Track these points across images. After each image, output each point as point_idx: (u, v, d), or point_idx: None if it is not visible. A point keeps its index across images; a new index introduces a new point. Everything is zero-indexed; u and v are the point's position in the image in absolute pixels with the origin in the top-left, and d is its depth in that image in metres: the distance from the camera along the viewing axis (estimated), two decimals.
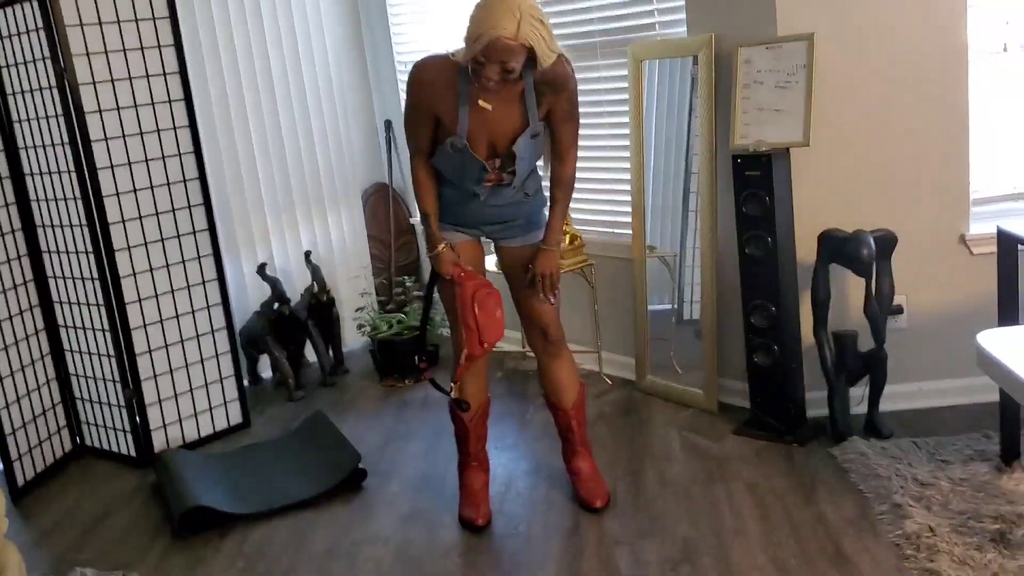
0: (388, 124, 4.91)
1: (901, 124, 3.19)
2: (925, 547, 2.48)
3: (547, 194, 2.84)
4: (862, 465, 2.98)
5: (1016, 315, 2.86)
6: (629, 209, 3.76)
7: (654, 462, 3.20)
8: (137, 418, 3.61)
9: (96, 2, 3.39)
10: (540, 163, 2.82)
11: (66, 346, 3.70)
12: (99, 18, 3.40)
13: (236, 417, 3.87)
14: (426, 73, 2.62)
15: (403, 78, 4.73)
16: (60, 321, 3.67)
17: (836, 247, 3.11)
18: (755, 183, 3.11)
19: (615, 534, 2.77)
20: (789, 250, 3.19)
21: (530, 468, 3.27)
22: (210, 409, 3.79)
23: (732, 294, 3.40)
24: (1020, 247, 2.79)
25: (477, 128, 2.61)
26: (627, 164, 3.75)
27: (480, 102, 2.56)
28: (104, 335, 3.56)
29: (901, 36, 3.12)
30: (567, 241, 3.80)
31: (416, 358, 2.97)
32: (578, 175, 3.99)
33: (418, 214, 2.87)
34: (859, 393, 3.25)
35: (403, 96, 4.73)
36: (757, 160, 3.10)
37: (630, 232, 3.77)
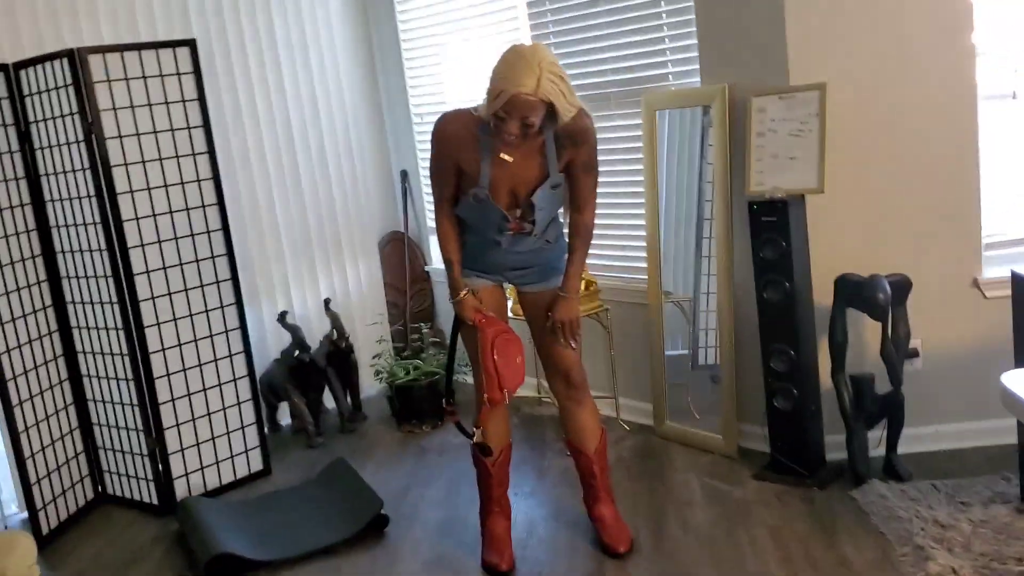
0: (404, 174, 4.99)
1: (913, 170, 3.25)
2: None
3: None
4: (882, 508, 2.99)
5: None
6: (644, 255, 3.82)
7: (676, 508, 3.21)
8: (159, 466, 3.64)
9: (123, 59, 3.49)
10: (560, 210, 2.88)
11: (89, 396, 3.74)
12: (126, 74, 3.50)
13: (257, 464, 3.90)
14: (449, 126, 2.71)
15: (419, 129, 4.84)
16: (84, 371, 3.72)
17: (853, 291, 3.15)
18: (772, 229, 3.17)
19: None
20: (806, 294, 3.24)
21: (551, 513, 3.29)
22: (231, 457, 3.82)
23: (749, 338, 3.43)
24: None
25: (499, 180, 2.68)
26: (642, 210, 3.81)
27: (501, 155, 2.64)
28: (128, 384, 3.60)
29: (912, 83, 3.20)
30: (583, 287, 3.85)
31: (443, 401, 3.00)
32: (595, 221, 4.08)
33: (435, 261, 2.93)
34: (877, 436, 3.27)
35: (419, 147, 4.87)
36: (773, 206, 3.16)
37: (645, 277, 3.82)
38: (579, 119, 2.62)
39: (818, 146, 3.13)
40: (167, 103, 3.61)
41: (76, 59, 3.39)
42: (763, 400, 3.34)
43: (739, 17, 3.32)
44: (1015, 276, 2.86)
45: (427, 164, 3.02)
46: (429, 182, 2.87)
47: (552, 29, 4.03)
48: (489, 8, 4.27)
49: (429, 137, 2.78)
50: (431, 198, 3.47)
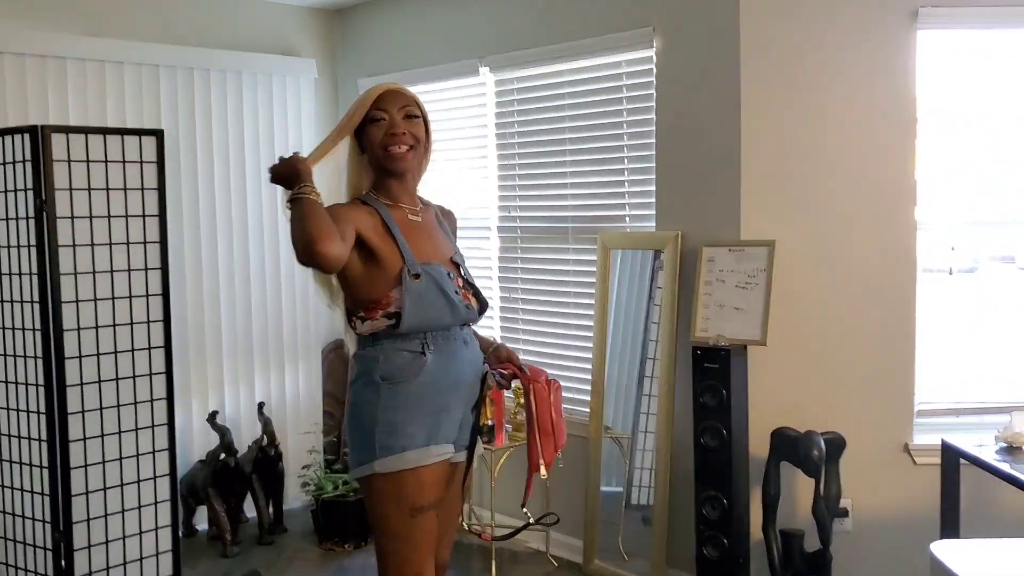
0: None
1: (853, 332, 3.35)
2: None
3: None
4: None
5: (958, 526, 2.93)
6: (588, 387, 3.83)
7: None
8: (63, 562, 3.44)
9: (87, 141, 3.48)
10: None
11: None
12: (87, 155, 3.48)
13: (167, 570, 3.70)
14: (352, 206, 2.28)
15: None
16: None
17: (788, 446, 3.18)
18: (713, 375, 3.22)
19: None
20: (743, 444, 3.26)
21: None
22: (140, 559, 3.62)
23: (684, 482, 3.43)
24: (962, 461, 2.91)
25: (421, 248, 2.27)
26: (589, 344, 3.85)
27: (409, 216, 2.30)
28: (41, 471, 3.44)
29: (857, 250, 3.33)
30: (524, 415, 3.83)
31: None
32: (543, 350, 4.12)
33: None
34: None
35: None
36: (716, 353, 3.22)
37: (587, 411, 3.83)
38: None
39: (763, 300, 3.22)
40: (125, 189, 3.58)
41: (39, 136, 3.37)
42: (693, 546, 3.31)
43: (697, 169, 3.46)
44: (945, 445, 2.93)
45: None
46: None
47: (518, 162, 4.15)
48: (461, 134, 4.39)
49: None
50: None
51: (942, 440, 2.96)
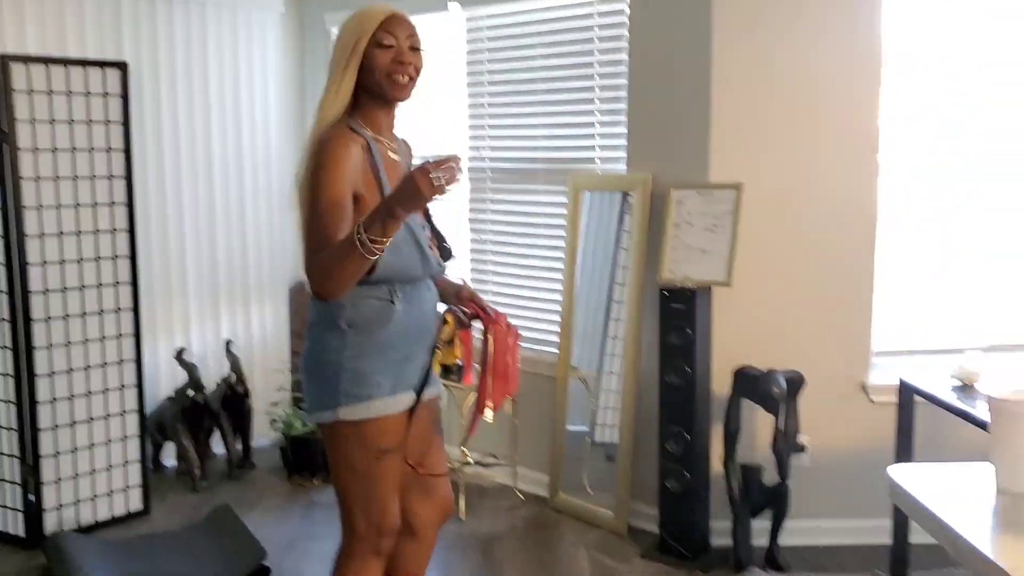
0: None
1: (816, 275, 3.43)
2: None
3: None
4: None
5: (911, 459, 3.06)
6: (557, 328, 3.89)
7: None
8: (31, 496, 3.45)
9: (49, 71, 3.40)
10: None
11: None
12: (49, 87, 3.41)
13: (136, 504, 3.74)
14: (343, 144, 2.07)
15: None
16: None
17: (749, 384, 3.28)
18: (679, 316, 3.29)
19: None
20: (706, 382, 3.35)
21: None
22: (110, 493, 3.65)
23: (649, 420, 3.52)
24: (917, 399, 3.02)
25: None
26: (558, 286, 3.89)
27: (389, 154, 2.19)
28: (8, 406, 3.43)
29: (822, 194, 3.40)
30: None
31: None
32: (509, 290, 4.16)
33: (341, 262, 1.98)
34: (761, 526, 3.38)
35: None
36: (682, 295, 3.28)
37: (556, 351, 3.89)
38: None
39: (730, 242, 3.29)
40: (89, 122, 3.53)
41: None
42: (656, 481, 3.42)
43: (668, 112, 3.49)
44: (903, 382, 3.04)
45: None
46: (310, 235, 2.04)
47: (488, 100, 4.13)
48: (430, 71, 4.34)
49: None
50: None
51: (900, 377, 3.06)
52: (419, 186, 1.87)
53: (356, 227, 1.91)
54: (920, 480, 1.66)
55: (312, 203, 2.02)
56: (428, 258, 2.19)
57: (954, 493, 1.60)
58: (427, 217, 2.31)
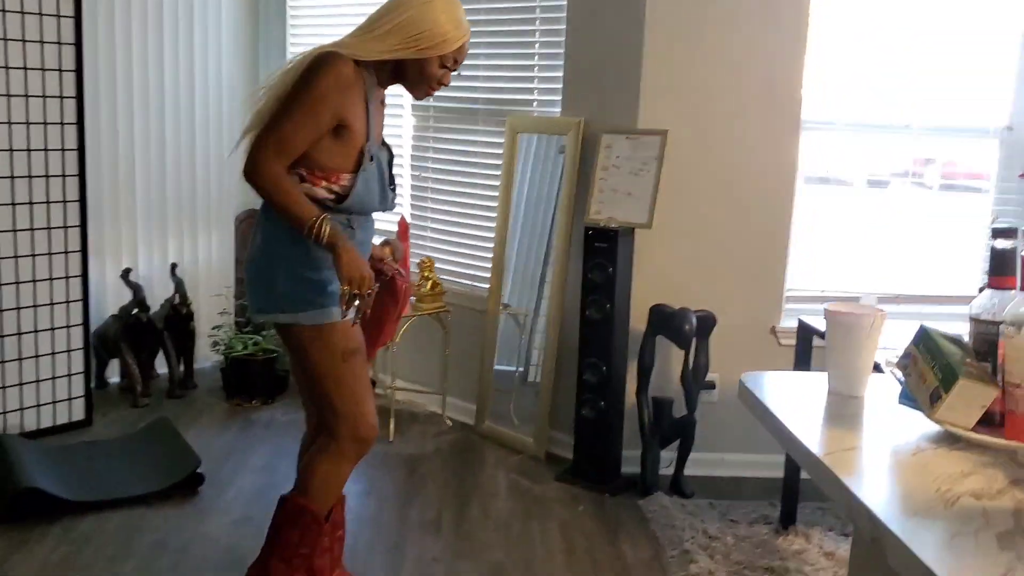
0: None
1: (734, 221, 3.63)
2: None
3: None
4: (663, 517, 3.32)
5: None
6: (489, 266, 4.06)
7: (481, 497, 3.44)
8: None
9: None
10: None
11: None
12: (3, 5, 3.49)
13: (79, 414, 3.89)
14: (348, 71, 2.23)
15: None
16: None
17: (663, 320, 3.49)
18: (601, 254, 3.48)
19: (435, 553, 2.99)
20: (624, 318, 3.56)
21: (363, 490, 3.45)
22: (54, 402, 3.80)
23: (570, 353, 3.72)
24: (816, 340, 3.24)
25: (377, 130, 2.41)
26: (493, 224, 4.06)
27: (380, 102, 2.42)
28: None
29: (744, 145, 3.59)
30: (428, 287, 4.06)
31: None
32: (447, 227, 4.32)
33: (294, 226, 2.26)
34: (669, 457, 3.61)
35: None
36: (606, 234, 3.47)
37: (487, 287, 4.07)
38: None
39: (653, 186, 3.47)
40: (42, 42, 3.62)
41: None
42: (574, 410, 3.63)
43: (603, 58, 3.65)
44: (801, 324, 3.26)
45: None
46: (277, 123, 2.20)
47: None
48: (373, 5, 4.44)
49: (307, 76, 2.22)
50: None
51: (799, 319, 3.28)
52: (358, 268, 2.22)
53: (320, 217, 2.20)
54: (766, 385, 1.87)
55: (293, 99, 2.21)
56: (387, 197, 2.43)
57: (793, 396, 1.81)
58: (391, 156, 2.51)
